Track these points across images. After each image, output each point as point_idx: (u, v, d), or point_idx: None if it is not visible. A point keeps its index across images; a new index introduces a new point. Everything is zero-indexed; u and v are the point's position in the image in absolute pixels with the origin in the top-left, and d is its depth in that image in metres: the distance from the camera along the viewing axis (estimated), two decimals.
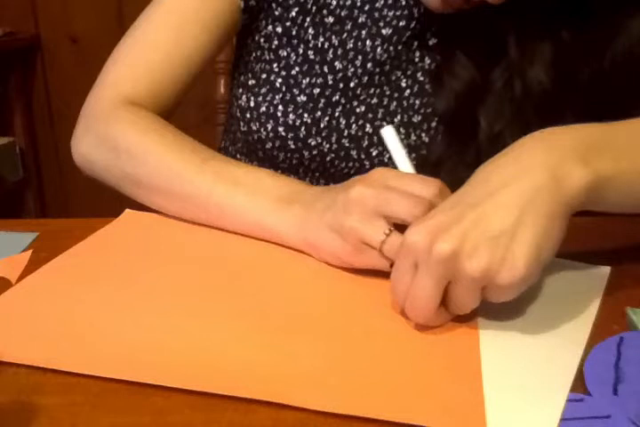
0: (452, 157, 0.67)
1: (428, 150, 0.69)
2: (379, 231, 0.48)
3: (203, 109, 0.79)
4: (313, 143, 0.68)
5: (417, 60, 0.68)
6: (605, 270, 0.53)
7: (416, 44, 0.68)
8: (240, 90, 0.72)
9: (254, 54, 0.72)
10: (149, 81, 0.68)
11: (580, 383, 0.39)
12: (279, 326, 0.44)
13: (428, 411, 0.36)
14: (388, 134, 0.55)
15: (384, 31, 0.67)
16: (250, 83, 0.71)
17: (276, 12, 0.69)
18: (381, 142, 0.67)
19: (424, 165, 0.67)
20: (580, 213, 0.45)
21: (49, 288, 0.49)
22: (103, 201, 0.74)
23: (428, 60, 0.68)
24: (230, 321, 0.45)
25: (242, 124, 0.72)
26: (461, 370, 0.40)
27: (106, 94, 0.67)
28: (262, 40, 0.70)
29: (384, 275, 0.52)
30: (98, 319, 0.45)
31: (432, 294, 0.42)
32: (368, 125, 0.68)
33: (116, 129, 0.64)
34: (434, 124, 0.68)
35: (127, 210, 0.63)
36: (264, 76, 0.70)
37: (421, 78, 0.68)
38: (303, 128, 0.68)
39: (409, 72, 0.68)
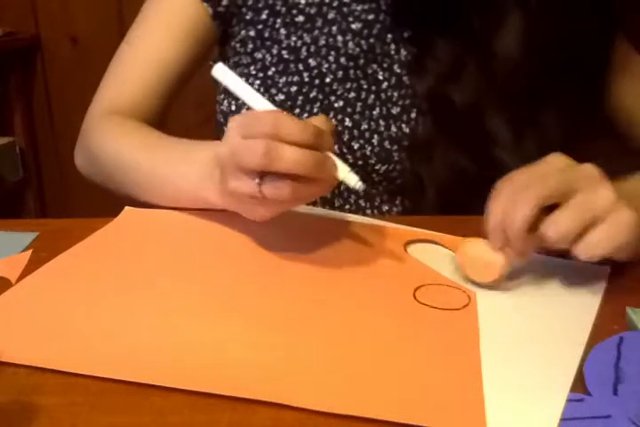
0: (440, 139, 0.68)
1: (414, 135, 0.69)
2: (250, 185, 0.48)
3: (202, 110, 0.79)
4: None
5: (393, 52, 0.70)
6: (605, 270, 0.53)
7: (390, 36, 0.69)
8: (222, 96, 0.74)
9: (232, 60, 0.73)
10: (129, 96, 0.72)
11: (580, 383, 0.39)
12: (279, 326, 0.44)
13: (428, 411, 0.36)
14: (222, 73, 0.52)
15: (354, 26, 0.69)
16: None
17: (247, 16, 0.71)
18: (362, 136, 0.68)
19: (414, 151, 0.68)
20: None
21: (49, 288, 0.49)
22: (103, 201, 0.74)
23: (404, 53, 0.69)
24: (230, 321, 0.45)
25: (225, 128, 0.72)
26: (461, 370, 0.40)
27: (95, 110, 0.73)
28: (238, 45, 0.72)
29: (384, 275, 0.52)
30: (98, 319, 0.45)
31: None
32: (347, 119, 0.69)
33: (92, 141, 0.70)
34: (413, 115, 0.69)
35: (127, 207, 0.63)
36: (242, 79, 0.71)
37: (398, 70, 0.70)
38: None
39: (385, 65, 0.70)
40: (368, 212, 0.73)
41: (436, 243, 0.59)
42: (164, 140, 0.65)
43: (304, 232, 0.59)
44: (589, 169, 0.49)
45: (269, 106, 0.52)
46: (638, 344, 0.42)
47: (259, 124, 0.48)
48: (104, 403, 0.37)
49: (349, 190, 0.72)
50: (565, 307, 0.48)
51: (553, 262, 0.55)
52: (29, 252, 0.56)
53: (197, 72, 0.77)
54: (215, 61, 0.51)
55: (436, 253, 0.57)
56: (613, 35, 0.70)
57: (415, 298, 0.49)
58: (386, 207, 0.73)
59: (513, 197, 0.48)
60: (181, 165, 0.59)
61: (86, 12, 1.56)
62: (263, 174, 0.48)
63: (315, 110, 0.69)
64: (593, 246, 0.47)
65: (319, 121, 0.50)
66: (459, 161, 0.66)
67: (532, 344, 0.43)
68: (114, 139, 0.68)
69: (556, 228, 0.47)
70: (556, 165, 0.51)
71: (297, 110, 0.69)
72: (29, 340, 0.43)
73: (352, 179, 0.50)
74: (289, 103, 0.69)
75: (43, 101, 1.69)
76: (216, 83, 0.75)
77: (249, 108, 0.70)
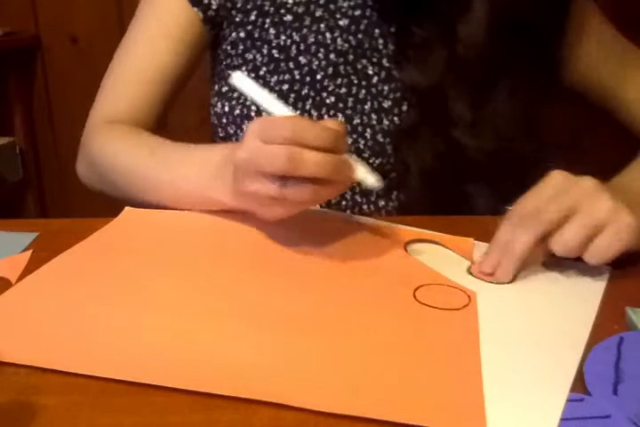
0: (425, 126, 0.70)
1: (401, 122, 0.71)
2: (272, 188, 0.49)
3: (202, 112, 0.79)
4: None
5: (381, 47, 0.71)
6: (605, 270, 0.53)
7: (377, 31, 0.71)
8: (215, 98, 0.75)
9: (225, 62, 0.74)
10: (128, 102, 0.73)
11: (580, 383, 0.39)
12: (279, 326, 0.44)
13: (427, 411, 0.36)
14: (242, 81, 0.53)
15: (341, 22, 0.70)
16: (223, 90, 0.74)
17: (237, 19, 0.72)
18: (355, 130, 0.69)
19: (399, 137, 0.70)
20: None
21: (49, 288, 0.49)
22: (103, 201, 0.74)
23: (391, 47, 0.71)
24: (231, 321, 0.45)
25: (219, 130, 0.75)
26: (461, 370, 0.40)
27: (94, 117, 0.74)
28: (229, 47, 0.73)
29: (384, 275, 0.52)
30: (98, 319, 0.45)
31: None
32: (339, 115, 0.70)
33: (92, 148, 0.71)
34: (404, 107, 0.71)
35: (127, 207, 0.64)
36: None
37: (387, 65, 0.71)
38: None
39: (374, 59, 0.71)
40: (364, 207, 0.73)
41: (436, 243, 0.59)
42: (164, 143, 0.66)
43: (304, 232, 0.59)
44: (587, 183, 0.51)
45: (288, 111, 0.53)
46: (638, 344, 0.42)
47: (279, 130, 0.48)
48: (104, 403, 0.37)
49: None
50: (565, 307, 0.48)
51: (553, 263, 0.55)
52: (29, 252, 0.56)
53: (196, 76, 0.77)
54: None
55: (436, 253, 0.57)
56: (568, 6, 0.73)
57: (415, 298, 0.49)
58: (382, 202, 0.73)
59: (514, 229, 0.52)
60: (184, 167, 0.60)
61: (86, 12, 1.56)
62: (283, 177, 0.48)
63: (307, 107, 0.70)
64: (598, 253, 0.50)
65: (334, 123, 0.51)
66: (439, 146, 0.69)
67: (532, 344, 0.43)
68: (114, 144, 0.69)
69: (561, 245, 0.50)
70: (555, 184, 0.52)
71: (289, 108, 0.70)
72: (29, 340, 0.43)
73: (369, 178, 0.51)
74: (281, 101, 0.70)
75: (43, 101, 1.68)
76: (213, 87, 0.76)
77: (242, 110, 0.71)
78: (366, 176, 0.51)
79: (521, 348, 0.43)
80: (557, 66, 0.74)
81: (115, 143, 0.69)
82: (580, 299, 0.49)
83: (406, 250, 0.57)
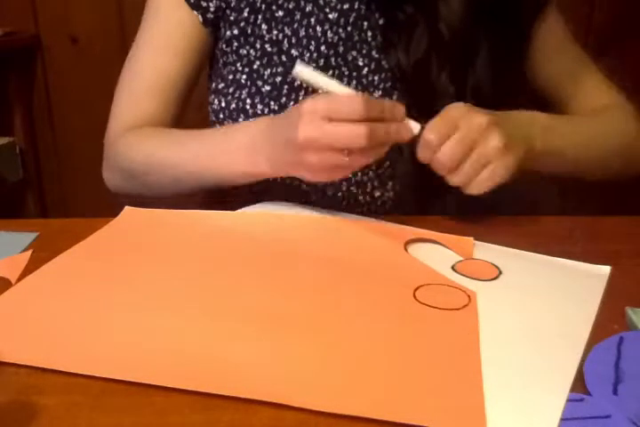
0: (412, 107, 0.70)
1: None
2: (339, 158, 0.54)
3: (202, 109, 0.80)
4: None
5: (370, 39, 0.73)
6: (605, 270, 0.53)
7: (366, 24, 0.73)
8: (212, 96, 0.77)
9: (221, 60, 0.76)
10: (144, 110, 0.75)
11: (580, 383, 0.39)
12: (280, 326, 0.44)
13: (428, 411, 0.36)
14: (306, 72, 0.58)
15: (330, 16, 0.72)
16: (220, 87, 0.76)
17: (232, 17, 0.74)
18: None
19: None
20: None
21: (49, 288, 0.49)
22: (103, 201, 0.75)
23: (380, 39, 0.73)
24: (231, 321, 0.45)
25: (217, 126, 0.76)
26: (461, 370, 0.40)
27: (113, 127, 0.77)
28: (225, 45, 0.75)
29: (384, 275, 0.52)
30: (98, 319, 0.45)
31: None
32: None
33: (118, 154, 0.74)
34: (395, 97, 0.73)
35: (127, 207, 0.64)
36: (230, 76, 0.74)
37: (376, 56, 0.73)
38: (271, 115, 0.71)
39: (364, 51, 0.73)
40: (360, 198, 0.74)
41: (436, 243, 0.59)
42: (191, 133, 0.69)
43: (304, 232, 0.59)
44: (481, 120, 0.58)
45: (349, 91, 0.57)
46: (638, 344, 0.42)
47: (352, 109, 0.53)
48: (104, 403, 0.37)
49: (341, 179, 0.73)
50: (565, 307, 0.48)
51: (553, 263, 0.55)
52: (29, 252, 0.56)
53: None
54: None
55: (435, 253, 0.57)
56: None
57: (415, 298, 0.49)
58: (377, 193, 0.74)
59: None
60: (222, 154, 0.64)
61: (86, 12, 1.56)
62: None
63: (300, 98, 0.72)
64: (478, 185, 0.57)
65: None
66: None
67: (532, 344, 0.43)
68: (143, 145, 0.71)
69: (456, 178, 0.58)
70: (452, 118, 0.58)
71: (283, 99, 0.72)
72: (29, 340, 0.43)
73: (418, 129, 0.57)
74: (275, 93, 0.72)
75: (43, 101, 1.68)
76: (210, 85, 0.76)
77: (237, 104, 0.72)
78: (417, 128, 0.57)
79: (521, 348, 0.43)
80: (527, 44, 0.77)
81: (143, 145, 0.71)
82: (580, 299, 0.49)
83: (406, 250, 0.57)
